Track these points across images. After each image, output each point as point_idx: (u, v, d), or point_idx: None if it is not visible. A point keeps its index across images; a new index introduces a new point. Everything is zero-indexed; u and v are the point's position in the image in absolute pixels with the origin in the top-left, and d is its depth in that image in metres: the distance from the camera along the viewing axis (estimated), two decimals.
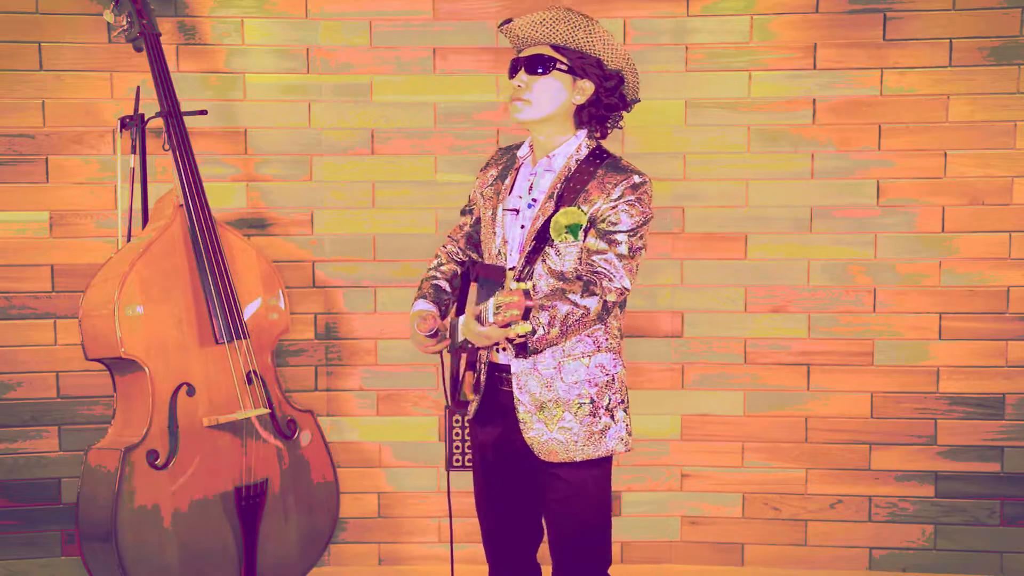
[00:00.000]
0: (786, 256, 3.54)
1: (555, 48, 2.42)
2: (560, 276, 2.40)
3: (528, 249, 2.41)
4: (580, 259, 2.40)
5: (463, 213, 2.69)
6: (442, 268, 2.64)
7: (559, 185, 2.43)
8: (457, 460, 2.63)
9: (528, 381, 2.41)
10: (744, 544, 3.64)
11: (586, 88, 2.44)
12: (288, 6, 3.50)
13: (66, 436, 3.50)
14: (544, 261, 2.41)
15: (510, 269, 2.42)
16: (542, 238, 2.40)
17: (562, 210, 2.39)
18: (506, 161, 2.57)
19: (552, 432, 2.41)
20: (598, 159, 2.45)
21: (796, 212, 3.53)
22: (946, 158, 3.48)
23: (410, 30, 3.52)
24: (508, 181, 2.52)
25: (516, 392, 2.42)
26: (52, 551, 3.51)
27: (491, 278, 2.39)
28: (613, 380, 2.46)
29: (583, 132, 2.48)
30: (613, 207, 2.37)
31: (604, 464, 2.47)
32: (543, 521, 2.56)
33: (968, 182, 3.48)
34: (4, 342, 3.46)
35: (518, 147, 2.59)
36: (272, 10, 3.50)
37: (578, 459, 2.42)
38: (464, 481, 2.71)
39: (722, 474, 3.62)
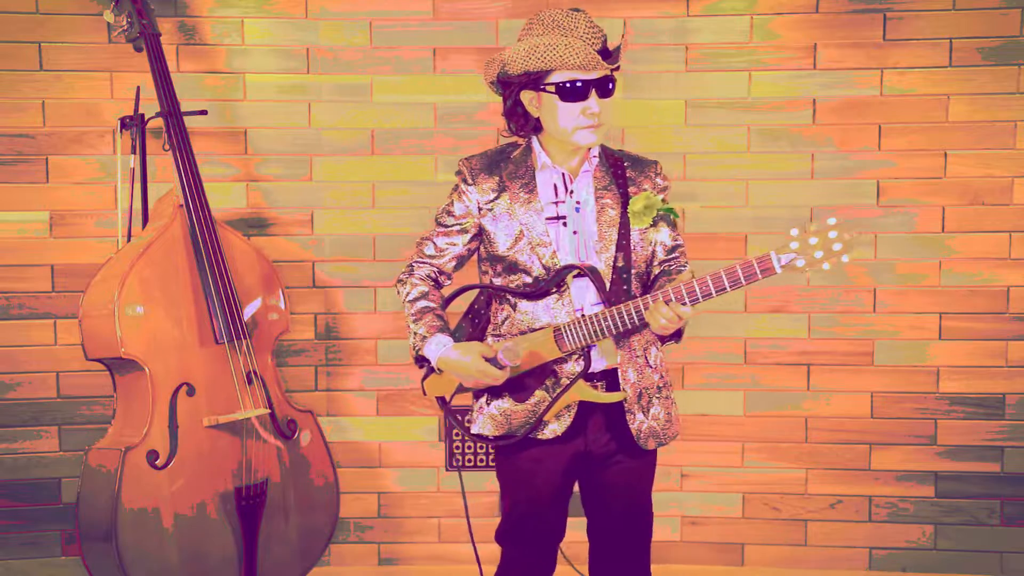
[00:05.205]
0: None
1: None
2: (634, 263, 2.41)
3: (615, 243, 2.38)
4: (647, 244, 2.42)
5: (449, 233, 2.47)
6: (431, 297, 2.46)
7: (606, 178, 2.42)
8: (457, 460, 2.63)
9: (628, 371, 2.40)
10: (744, 544, 3.64)
11: None
12: (288, 6, 3.50)
13: (66, 436, 3.50)
14: (627, 253, 2.40)
15: (586, 269, 2.38)
16: (623, 230, 2.39)
17: (642, 194, 2.39)
18: (510, 169, 2.43)
19: (648, 419, 2.43)
20: (610, 150, 2.48)
21: (796, 212, 3.53)
22: (946, 158, 3.49)
23: (410, 30, 3.52)
24: (536, 190, 2.41)
25: (623, 385, 2.39)
26: (52, 551, 3.51)
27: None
28: (665, 360, 2.52)
29: None
30: (663, 197, 2.44)
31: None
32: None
33: (968, 182, 3.48)
34: (4, 342, 3.46)
35: (507, 152, 2.47)
36: (272, 10, 3.50)
37: (664, 443, 2.46)
38: (452, 481, 2.70)
39: (722, 474, 3.62)
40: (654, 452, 2.48)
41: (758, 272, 2.19)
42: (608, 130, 2.41)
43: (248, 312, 3.16)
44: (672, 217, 2.42)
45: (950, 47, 3.44)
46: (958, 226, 3.49)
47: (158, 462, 2.95)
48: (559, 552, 2.66)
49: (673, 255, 2.46)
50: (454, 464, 2.63)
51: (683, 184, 3.54)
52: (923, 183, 3.49)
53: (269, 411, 3.11)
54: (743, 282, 2.21)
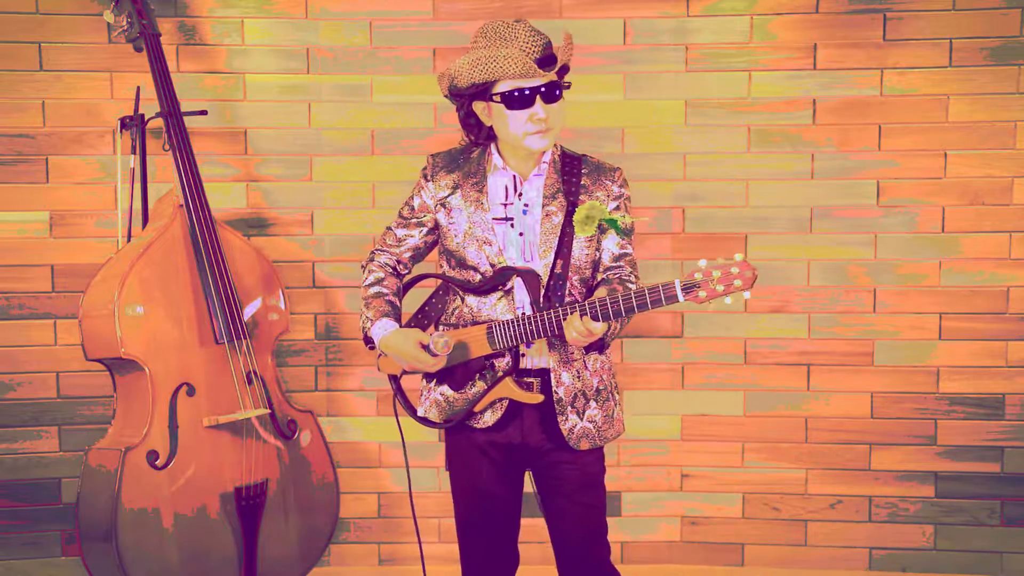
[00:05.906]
0: (786, 256, 3.54)
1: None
2: (577, 269, 2.46)
3: (555, 249, 2.43)
4: (592, 251, 2.47)
5: (407, 225, 2.56)
6: (385, 283, 2.55)
7: (556, 185, 2.47)
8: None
9: (562, 374, 2.45)
10: (744, 544, 3.64)
11: None
12: (288, 6, 3.50)
13: (66, 436, 3.50)
14: (566, 259, 2.44)
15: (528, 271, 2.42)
16: (564, 238, 2.43)
17: (587, 203, 2.43)
18: (467, 168, 2.50)
19: (583, 421, 2.47)
20: (570, 155, 2.52)
21: (796, 212, 3.53)
22: (946, 158, 3.49)
23: (410, 30, 3.52)
24: (485, 190, 2.48)
25: (554, 387, 2.45)
26: (52, 551, 3.51)
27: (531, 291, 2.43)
28: (611, 365, 2.56)
29: None
30: (617, 205, 2.48)
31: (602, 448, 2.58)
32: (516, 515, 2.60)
33: (968, 182, 3.48)
34: (4, 342, 3.47)
35: (469, 152, 2.53)
36: (272, 10, 3.50)
37: (601, 444, 2.51)
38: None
39: (722, 474, 3.62)
40: (598, 449, 2.53)
41: (662, 298, 2.26)
42: (558, 133, 2.44)
43: (248, 312, 3.16)
44: (619, 226, 2.45)
45: (950, 47, 3.44)
46: (958, 226, 3.49)
47: (158, 462, 2.95)
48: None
49: (618, 264, 2.49)
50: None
51: (683, 184, 3.54)
52: (923, 183, 3.49)
53: (269, 411, 3.11)
54: (649, 306, 2.27)
